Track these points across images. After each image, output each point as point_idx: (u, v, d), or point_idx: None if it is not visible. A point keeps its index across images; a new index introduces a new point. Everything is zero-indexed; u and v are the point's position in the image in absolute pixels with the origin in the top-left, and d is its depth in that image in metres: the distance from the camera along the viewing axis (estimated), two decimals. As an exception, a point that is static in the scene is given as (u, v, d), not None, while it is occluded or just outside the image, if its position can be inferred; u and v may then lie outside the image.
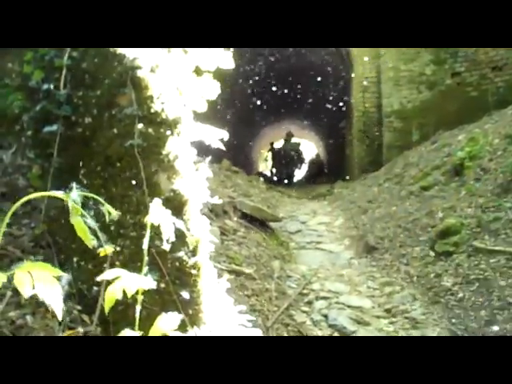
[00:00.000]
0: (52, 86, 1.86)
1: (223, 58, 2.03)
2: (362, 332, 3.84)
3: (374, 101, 10.75)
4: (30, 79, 1.91)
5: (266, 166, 22.22)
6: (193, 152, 1.97)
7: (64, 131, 1.83)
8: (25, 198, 0.95)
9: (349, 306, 4.36)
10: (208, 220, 2.04)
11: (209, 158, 2.13)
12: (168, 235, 1.15)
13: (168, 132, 1.83)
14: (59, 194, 0.96)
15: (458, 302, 4.12)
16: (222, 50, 2.01)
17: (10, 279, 0.87)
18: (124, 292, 1.01)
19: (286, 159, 17.58)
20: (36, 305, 1.52)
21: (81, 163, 1.80)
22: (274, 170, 18.11)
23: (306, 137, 21.53)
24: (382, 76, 10.39)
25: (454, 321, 3.89)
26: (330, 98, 16.38)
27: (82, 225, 1.01)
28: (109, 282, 1.04)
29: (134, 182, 1.74)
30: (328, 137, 18.26)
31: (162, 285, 1.72)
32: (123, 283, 0.97)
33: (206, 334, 1.81)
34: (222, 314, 2.00)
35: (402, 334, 3.81)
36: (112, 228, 1.71)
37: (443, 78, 9.80)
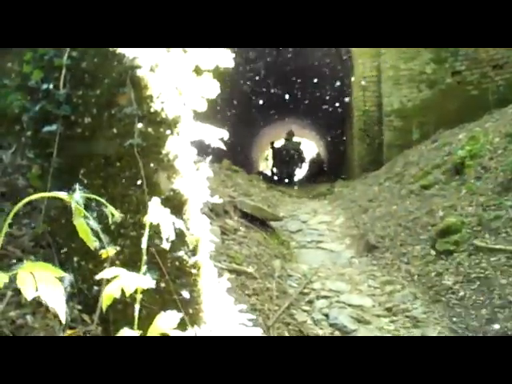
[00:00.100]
0: (51, 86, 1.86)
1: (223, 57, 2.02)
2: (363, 331, 3.84)
3: (374, 100, 10.74)
4: (30, 79, 1.91)
5: (266, 165, 22.22)
6: (193, 151, 1.97)
7: (63, 131, 1.83)
8: (27, 199, 0.95)
9: (349, 305, 4.36)
10: (208, 219, 2.04)
11: (209, 158, 2.13)
12: (167, 234, 1.15)
13: (168, 131, 1.83)
14: (62, 194, 0.96)
15: (458, 301, 4.12)
16: (222, 49, 2.01)
17: (11, 279, 0.87)
18: (124, 291, 1.01)
19: (287, 158, 17.55)
20: (36, 304, 1.52)
21: (80, 163, 1.80)
22: (275, 170, 18.09)
23: (307, 136, 21.51)
24: (382, 75, 10.37)
25: (454, 319, 3.89)
26: (331, 97, 16.36)
27: (85, 226, 1.01)
28: (109, 282, 1.04)
29: (133, 182, 1.74)
30: (328, 136, 18.25)
31: (162, 284, 1.72)
32: (122, 282, 0.97)
33: (207, 334, 1.81)
34: (222, 314, 2.00)
35: (402, 332, 3.80)
36: (112, 228, 1.71)
37: (443, 77, 9.78)
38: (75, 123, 1.82)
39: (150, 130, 1.79)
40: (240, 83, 15.09)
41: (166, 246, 1.31)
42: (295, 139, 18.71)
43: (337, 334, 3.86)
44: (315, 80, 16.13)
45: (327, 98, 16.65)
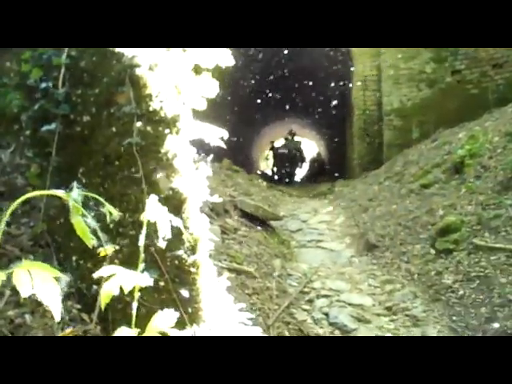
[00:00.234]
0: (50, 85, 1.86)
1: (222, 55, 2.02)
2: (363, 330, 3.84)
3: (374, 99, 10.74)
4: (29, 78, 1.91)
5: (266, 164, 22.20)
6: (192, 150, 1.97)
7: (62, 130, 1.83)
8: (24, 197, 0.95)
9: (350, 304, 4.36)
10: (208, 219, 2.04)
11: (210, 157, 2.13)
12: (164, 232, 1.15)
13: (167, 130, 1.83)
14: (60, 192, 0.96)
15: (458, 300, 4.11)
16: (222, 49, 2.01)
17: (10, 278, 0.87)
18: (123, 291, 1.01)
19: (287, 158, 17.54)
20: (35, 304, 1.52)
21: (79, 162, 1.80)
22: (275, 169, 18.08)
23: (307, 135, 21.50)
24: (382, 74, 10.37)
25: (454, 318, 3.89)
26: (331, 96, 16.36)
27: (82, 224, 1.01)
28: (107, 280, 1.04)
29: (132, 181, 1.74)
30: (329, 135, 18.24)
31: (162, 283, 1.72)
32: (119, 280, 0.97)
33: (206, 333, 1.81)
34: (221, 312, 2.00)
35: (402, 331, 3.80)
36: (111, 227, 1.71)
37: (443, 76, 9.77)
38: (74, 122, 1.82)
39: (148, 128, 1.79)
40: (240, 83, 15.08)
41: (162, 244, 1.30)
42: (295, 139, 18.70)
43: (337, 333, 3.85)
44: (315, 79, 16.12)
45: (327, 97, 16.64)
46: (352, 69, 11.34)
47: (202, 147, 2.12)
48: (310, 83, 16.63)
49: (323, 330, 3.86)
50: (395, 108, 10.20)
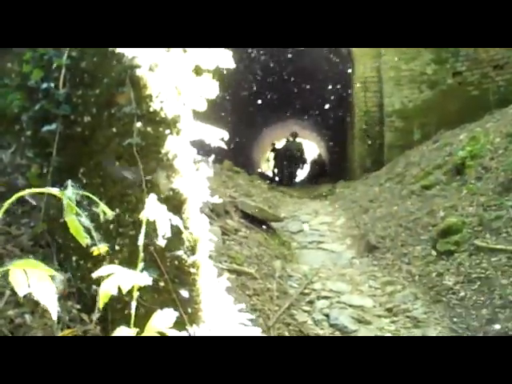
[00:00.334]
0: (51, 86, 1.86)
1: (223, 57, 2.02)
2: (364, 331, 3.84)
3: (375, 100, 10.74)
4: (29, 79, 1.91)
5: (267, 166, 22.23)
6: (192, 151, 1.97)
7: (63, 130, 1.83)
8: (17, 195, 0.95)
9: (350, 306, 4.35)
10: (207, 219, 2.04)
11: (211, 158, 2.13)
12: (164, 230, 1.15)
13: (167, 131, 1.83)
14: (54, 190, 0.96)
15: (459, 301, 4.11)
16: (222, 49, 2.01)
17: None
18: (121, 290, 1.01)
19: (288, 159, 17.54)
20: (35, 304, 1.52)
21: (80, 162, 1.80)
22: (276, 170, 18.09)
23: (308, 137, 21.52)
24: (383, 75, 10.37)
25: (455, 320, 3.89)
26: (332, 97, 16.36)
27: (76, 223, 1.01)
28: (106, 280, 1.04)
29: (132, 181, 1.74)
30: (330, 137, 18.25)
31: (161, 283, 1.72)
32: (118, 279, 0.97)
33: (206, 333, 1.80)
34: (221, 313, 2.00)
35: (403, 333, 3.80)
36: (111, 227, 1.71)
37: (444, 78, 9.78)
38: (75, 122, 1.83)
39: (149, 129, 1.79)
40: (241, 84, 15.09)
41: (161, 242, 1.30)
42: (297, 140, 18.70)
43: (337, 334, 3.85)
44: (316, 81, 16.13)
45: (328, 98, 16.64)
46: (350, 70, 11.34)
47: (202, 148, 2.12)
48: (311, 85, 16.64)
49: (324, 332, 3.86)
50: (396, 109, 10.20)
